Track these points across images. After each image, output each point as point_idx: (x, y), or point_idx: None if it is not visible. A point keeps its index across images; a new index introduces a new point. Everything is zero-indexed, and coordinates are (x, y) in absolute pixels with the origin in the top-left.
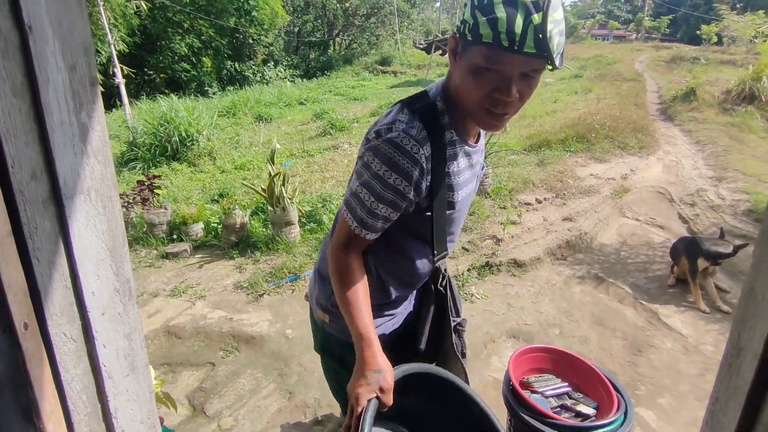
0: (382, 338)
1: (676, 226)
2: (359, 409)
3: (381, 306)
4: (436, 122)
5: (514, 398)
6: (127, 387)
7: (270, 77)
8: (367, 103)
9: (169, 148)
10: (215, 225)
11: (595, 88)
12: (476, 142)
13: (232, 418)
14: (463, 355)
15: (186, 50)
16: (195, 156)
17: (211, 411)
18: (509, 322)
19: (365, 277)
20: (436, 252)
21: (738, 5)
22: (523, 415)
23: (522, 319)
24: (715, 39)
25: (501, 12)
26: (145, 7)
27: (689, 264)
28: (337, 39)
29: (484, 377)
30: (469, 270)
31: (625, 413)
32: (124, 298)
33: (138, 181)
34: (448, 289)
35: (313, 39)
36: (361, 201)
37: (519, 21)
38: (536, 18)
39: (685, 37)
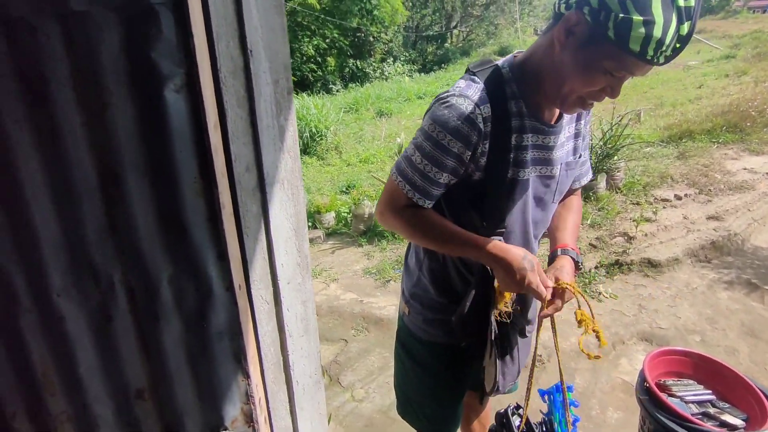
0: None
1: None
2: (542, 288)
3: (446, 303)
4: (498, 87)
5: (649, 399)
6: (302, 345)
7: (389, 73)
8: None
9: (300, 143)
10: (345, 214)
11: (752, 70)
12: (555, 122)
13: (363, 390)
14: (503, 355)
15: (312, 51)
16: (323, 150)
17: (345, 382)
18: (641, 324)
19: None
20: (485, 224)
21: None
22: (660, 417)
23: (656, 323)
24: None
25: (659, 16)
26: None
27: None
28: (455, 31)
29: (612, 378)
30: (597, 267)
31: None
32: (303, 270)
33: None
34: None
35: (431, 33)
36: (413, 164)
37: (672, 31)
38: (684, 28)
39: None
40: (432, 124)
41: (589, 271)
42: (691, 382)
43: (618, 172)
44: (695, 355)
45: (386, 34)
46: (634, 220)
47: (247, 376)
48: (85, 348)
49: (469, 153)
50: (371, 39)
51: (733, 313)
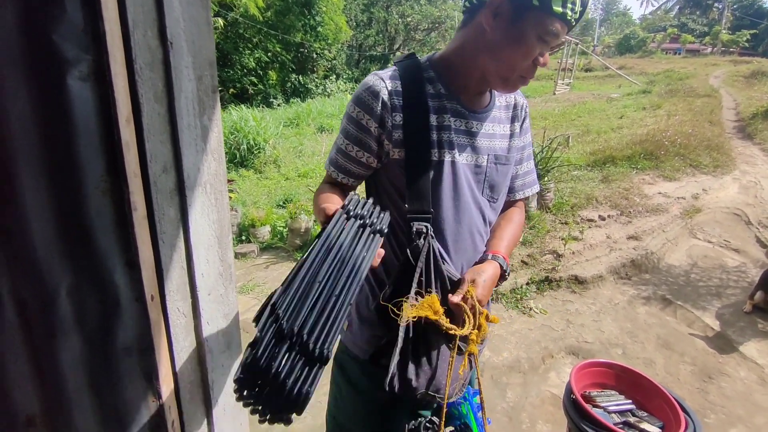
0: None
1: (754, 251)
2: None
3: None
4: (413, 70)
5: (575, 410)
6: (223, 362)
7: (331, 90)
8: None
9: (237, 156)
10: (281, 229)
11: (665, 104)
12: (483, 108)
13: None
14: (416, 352)
15: (254, 64)
16: (261, 163)
17: None
18: (568, 338)
19: (333, 190)
20: (407, 206)
21: None
22: (585, 427)
23: (582, 337)
24: None
25: None
26: (222, 24)
27: None
28: (398, 53)
29: (542, 392)
30: (528, 284)
31: None
32: (226, 281)
33: None
34: (428, 261)
35: (374, 53)
36: (337, 145)
37: None
38: None
39: None
40: (350, 104)
41: (521, 287)
42: (613, 392)
43: (548, 192)
44: (617, 366)
45: (330, 52)
46: (562, 239)
47: (158, 396)
48: None
49: (376, 125)
50: (314, 55)
51: (650, 326)
